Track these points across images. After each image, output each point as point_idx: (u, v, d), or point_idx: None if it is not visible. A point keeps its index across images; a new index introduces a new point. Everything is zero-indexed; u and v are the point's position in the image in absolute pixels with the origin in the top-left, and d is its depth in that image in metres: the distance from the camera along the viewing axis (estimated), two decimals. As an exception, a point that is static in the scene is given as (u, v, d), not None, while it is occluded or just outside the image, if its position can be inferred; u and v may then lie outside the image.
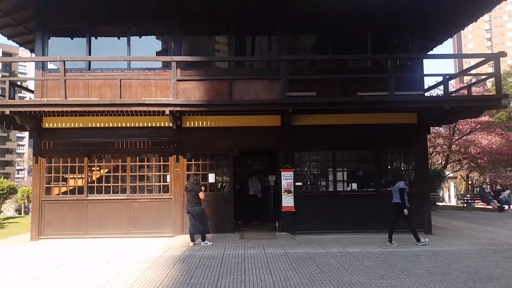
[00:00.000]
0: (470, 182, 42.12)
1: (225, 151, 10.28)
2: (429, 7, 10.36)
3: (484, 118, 25.02)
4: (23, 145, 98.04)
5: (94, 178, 10.24)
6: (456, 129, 25.11)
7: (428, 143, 24.38)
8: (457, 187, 50.73)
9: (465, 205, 20.59)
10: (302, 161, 10.59)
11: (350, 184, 10.39)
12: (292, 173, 10.00)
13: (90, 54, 10.27)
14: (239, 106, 9.46)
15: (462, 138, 25.35)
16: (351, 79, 9.83)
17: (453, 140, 25.33)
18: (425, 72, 10.62)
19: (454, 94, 13.00)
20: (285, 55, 9.97)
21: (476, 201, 22.33)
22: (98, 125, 10.03)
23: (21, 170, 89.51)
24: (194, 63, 10.16)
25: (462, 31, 12.41)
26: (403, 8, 10.25)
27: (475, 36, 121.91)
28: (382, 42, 10.95)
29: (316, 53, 11.35)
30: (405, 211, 8.34)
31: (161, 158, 10.21)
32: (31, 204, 10.96)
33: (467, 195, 22.76)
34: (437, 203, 20.58)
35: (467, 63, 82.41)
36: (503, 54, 9.14)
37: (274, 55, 10.62)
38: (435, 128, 23.18)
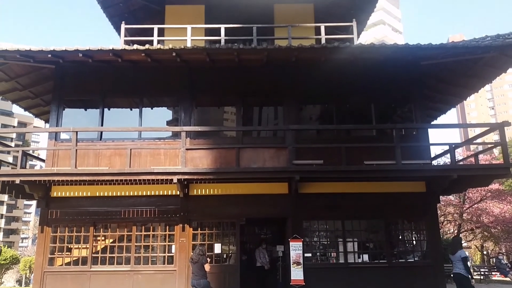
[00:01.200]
0: (485, 253, 40.49)
1: (232, 219, 10.16)
2: (430, 80, 10.74)
3: (494, 186, 24.70)
4: (29, 213, 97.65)
5: (98, 248, 10.07)
6: (466, 197, 24.72)
7: (439, 212, 23.93)
8: (471, 257, 48.74)
9: (482, 277, 19.68)
10: (311, 231, 10.37)
11: (361, 256, 10.06)
12: (301, 243, 9.75)
13: (102, 125, 10.59)
14: (246, 173, 9.50)
15: (473, 206, 24.87)
16: (358, 148, 9.95)
17: (464, 208, 24.83)
18: (430, 140, 10.73)
19: (461, 163, 12.97)
20: (291, 125, 10.17)
21: (493, 273, 21.37)
22: (106, 194, 10.07)
23: (25, 238, 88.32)
24: (203, 132, 10.41)
25: (466, 99, 12.73)
26: (405, 81, 10.62)
27: (477, 105, 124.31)
28: (386, 112, 11.21)
29: (321, 122, 11.60)
30: (473, 281, 7.92)
31: (167, 227, 10.08)
32: (32, 275, 10.68)
33: (484, 267, 21.84)
34: (451, 275, 19.64)
35: (472, 131, 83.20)
36: (507, 123, 9.27)
37: (280, 124, 10.87)
38: (445, 196, 22.83)
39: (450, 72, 10.78)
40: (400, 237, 10.70)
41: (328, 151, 9.94)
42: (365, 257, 10.06)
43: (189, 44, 10.95)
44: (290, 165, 9.45)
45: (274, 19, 12.77)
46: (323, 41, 11.25)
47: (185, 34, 11.47)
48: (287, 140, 9.96)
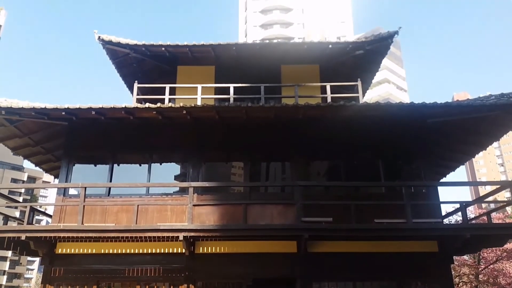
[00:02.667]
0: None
1: (238, 279, 9.79)
2: (438, 137, 10.79)
3: (510, 246, 23.91)
4: (32, 269, 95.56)
5: (99, 308, 9.73)
6: (481, 257, 23.87)
7: (453, 273, 23.04)
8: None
9: None
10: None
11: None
12: (312, 306, 9.33)
13: (111, 181, 10.65)
14: (253, 231, 9.31)
15: (489, 267, 23.94)
16: (367, 205, 9.81)
17: (480, 269, 23.89)
18: (440, 198, 10.56)
19: (474, 221, 12.68)
20: (298, 181, 10.14)
21: None
22: (111, 251, 9.88)
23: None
24: (210, 188, 10.39)
25: (474, 157, 12.70)
26: (412, 138, 10.68)
27: (486, 162, 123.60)
28: (394, 168, 11.17)
29: (329, 178, 11.55)
30: None
31: (171, 286, 9.77)
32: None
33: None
34: None
35: (483, 188, 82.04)
36: (516, 183, 9.15)
37: (288, 180, 10.85)
38: (459, 256, 22.06)
39: (457, 130, 10.84)
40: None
41: (337, 208, 9.81)
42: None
43: (199, 102, 11.29)
44: (298, 223, 9.28)
45: (281, 79, 13.22)
46: (329, 99, 11.53)
47: (195, 92, 11.87)
48: (295, 196, 9.87)
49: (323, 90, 12.40)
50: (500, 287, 24.01)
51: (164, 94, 11.94)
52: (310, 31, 54.12)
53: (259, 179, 11.28)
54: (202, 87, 12.01)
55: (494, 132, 10.60)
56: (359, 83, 12.17)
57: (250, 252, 9.82)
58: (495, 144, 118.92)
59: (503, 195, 68.06)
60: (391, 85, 74.39)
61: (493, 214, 25.99)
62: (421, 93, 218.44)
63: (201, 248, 9.93)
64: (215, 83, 12.97)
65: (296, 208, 9.49)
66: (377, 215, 9.60)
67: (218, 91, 12.59)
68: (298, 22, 66.06)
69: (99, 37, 12.43)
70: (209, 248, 9.94)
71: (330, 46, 12.58)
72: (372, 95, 63.93)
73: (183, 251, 9.51)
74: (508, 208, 30.90)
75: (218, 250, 9.93)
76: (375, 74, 14.34)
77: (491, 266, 23.87)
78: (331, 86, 11.98)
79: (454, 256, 11.51)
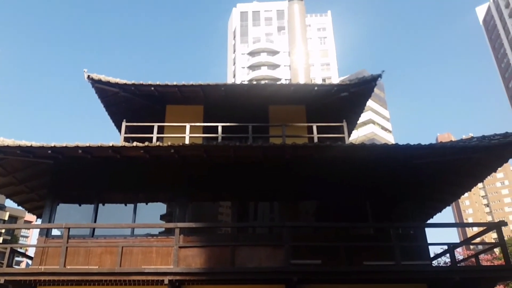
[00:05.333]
0: None
1: (226, 325, 9.44)
2: (424, 178, 10.89)
3: (500, 288, 23.65)
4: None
5: None
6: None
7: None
8: None
9: None
10: None
11: None
12: None
13: (95, 221, 10.41)
14: (241, 274, 9.07)
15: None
16: (356, 246, 9.70)
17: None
18: (428, 239, 10.53)
19: (463, 263, 12.61)
20: (287, 222, 10.02)
21: None
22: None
23: None
24: (197, 229, 10.20)
25: (461, 197, 12.80)
26: (398, 179, 10.75)
27: (472, 202, 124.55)
28: (382, 210, 11.15)
29: (318, 219, 11.48)
30: None
31: (156, 333, 9.33)
32: None
33: None
34: None
35: (471, 229, 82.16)
36: (503, 223, 9.22)
37: (277, 220, 10.74)
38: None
39: (442, 171, 10.99)
40: None
41: (326, 250, 9.66)
42: None
43: (187, 141, 11.31)
44: (287, 265, 9.06)
45: (269, 119, 13.40)
46: (315, 139, 11.67)
47: (184, 131, 11.92)
48: (284, 237, 9.69)
49: (310, 130, 12.57)
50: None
51: (152, 133, 11.94)
52: (296, 72, 55.49)
53: (247, 219, 11.15)
54: (190, 126, 12.08)
55: (478, 173, 10.77)
56: (344, 124, 12.40)
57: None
58: (479, 185, 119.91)
59: (491, 236, 68.09)
60: (376, 126, 75.68)
61: (482, 256, 25.93)
62: (406, 134, 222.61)
63: (186, 293, 9.61)
64: (204, 122, 13.07)
65: (285, 250, 9.31)
66: (366, 256, 9.48)
67: (206, 130, 12.66)
68: (285, 64, 67.77)
69: (88, 76, 12.52)
70: (193, 292, 9.62)
71: (316, 88, 12.89)
72: (358, 135, 64.86)
73: (168, 295, 9.18)
74: (496, 250, 30.89)
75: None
76: (360, 115, 14.63)
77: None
78: (317, 126, 12.18)
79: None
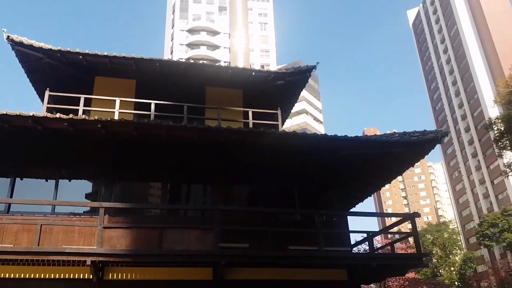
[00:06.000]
0: None
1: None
2: (349, 169, 11.39)
3: (411, 275, 25.69)
4: None
5: None
6: (386, 286, 25.31)
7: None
8: None
9: None
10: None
11: None
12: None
13: (12, 196, 9.63)
14: (168, 257, 8.91)
15: (392, 295, 25.43)
16: (283, 232, 9.95)
17: (384, 297, 25.27)
18: (350, 227, 11.12)
19: (380, 251, 13.48)
20: (219, 205, 10.01)
21: None
22: (8, 276, 8.79)
23: None
24: (124, 209, 9.84)
25: (382, 188, 13.60)
26: (326, 169, 11.15)
27: (392, 194, 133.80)
28: (309, 197, 11.55)
29: (249, 204, 11.63)
30: None
31: (75, 316, 8.94)
32: None
33: None
34: None
35: (390, 219, 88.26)
36: (417, 214, 9.97)
37: (209, 204, 10.68)
38: (367, 285, 23.13)
39: (366, 163, 11.54)
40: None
41: (254, 235, 9.79)
42: None
43: (116, 117, 10.77)
44: (216, 249, 9.05)
45: (205, 100, 13.18)
46: (250, 125, 11.72)
47: (113, 106, 11.33)
48: (215, 221, 9.69)
49: (246, 115, 12.60)
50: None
51: (78, 105, 11.18)
52: (236, 56, 55.12)
53: (179, 202, 10.96)
54: (120, 100, 11.50)
55: (397, 167, 11.48)
56: (279, 111, 12.58)
57: (164, 280, 9.38)
58: (399, 178, 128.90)
59: (406, 227, 73.61)
60: (308, 116, 77.84)
61: (398, 245, 27.97)
62: (336, 126, 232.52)
63: (110, 274, 9.26)
64: (136, 98, 12.43)
65: (215, 233, 9.29)
66: (292, 242, 9.76)
67: (138, 107, 12.11)
68: (225, 45, 67.01)
69: (8, 36, 11.41)
70: (120, 274, 9.31)
71: (254, 73, 12.92)
72: (291, 124, 66.44)
73: (91, 277, 8.79)
74: (410, 239, 33.52)
75: (129, 277, 9.33)
76: (294, 104, 14.94)
77: (395, 295, 25.38)
78: (253, 112, 12.22)
79: (362, 285, 12.07)
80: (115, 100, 11.44)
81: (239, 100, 13.59)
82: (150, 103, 11.54)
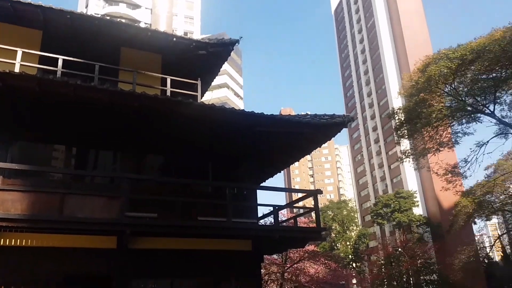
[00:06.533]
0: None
1: (47, 277, 8.66)
2: (263, 145, 11.65)
3: (311, 247, 27.42)
4: None
5: None
6: (288, 257, 26.74)
7: (264, 271, 25.33)
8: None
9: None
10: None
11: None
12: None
13: None
14: (69, 224, 8.40)
15: (293, 266, 26.97)
16: (194, 203, 9.95)
17: (286, 268, 26.72)
18: (260, 201, 11.50)
19: (284, 224, 14.16)
20: (127, 173, 9.67)
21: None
22: None
23: None
24: (21, 171, 9.04)
25: (291, 166, 14.19)
26: (240, 143, 11.29)
27: (301, 172, 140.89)
28: (222, 170, 11.65)
29: (162, 174, 11.37)
30: None
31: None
32: None
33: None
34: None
35: (297, 195, 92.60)
36: (319, 191, 10.62)
37: (118, 171, 10.25)
38: (270, 255, 24.23)
39: (279, 141, 11.90)
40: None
41: (164, 205, 9.67)
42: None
43: (17, 69, 9.71)
44: (121, 217, 8.75)
45: (120, 62, 12.40)
46: (168, 93, 11.36)
47: (14, 57, 10.18)
48: (122, 189, 9.34)
49: (164, 82, 12.15)
50: (300, 284, 27.31)
51: (-29, 54, 9.90)
52: (157, 18, 52.59)
53: (85, 167, 10.35)
54: (23, 52, 10.37)
55: (307, 146, 12.03)
56: (199, 82, 12.36)
57: (64, 247, 8.89)
58: (308, 157, 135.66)
59: (311, 203, 78.03)
60: (230, 91, 77.97)
61: (302, 219, 29.60)
62: (255, 103, 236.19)
63: (2, 240, 8.53)
64: (41, 51, 11.25)
65: (121, 202, 8.98)
66: (202, 213, 9.85)
67: (43, 61, 10.98)
68: (147, 6, 63.50)
69: None
70: (14, 240, 8.61)
71: (175, 39, 12.42)
72: (211, 97, 65.96)
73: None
74: (313, 214, 35.62)
75: (25, 243, 8.67)
76: (215, 77, 14.77)
77: (295, 265, 26.95)
78: (171, 80, 11.84)
79: (265, 255, 12.64)
80: (16, 51, 10.28)
81: (157, 65, 13.01)
82: (58, 58, 10.56)
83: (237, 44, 13.08)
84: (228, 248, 10.31)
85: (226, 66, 70.31)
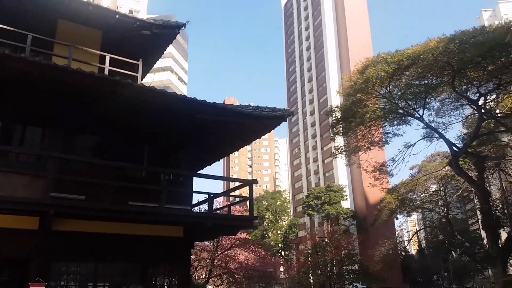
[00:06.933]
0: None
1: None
2: (203, 133, 11.62)
3: (242, 235, 27.88)
4: None
5: None
6: (219, 244, 26.99)
7: (194, 257, 25.38)
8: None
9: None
10: (60, 273, 9.24)
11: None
12: (43, 288, 8.51)
13: None
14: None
15: (224, 253, 27.31)
16: (126, 187, 9.70)
17: (216, 254, 26.98)
18: (197, 188, 11.50)
19: (219, 211, 14.28)
20: (54, 152, 9.20)
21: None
22: None
23: None
24: None
25: (231, 155, 14.31)
26: (180, 129, 11.16)
27: (240, 162, 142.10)
28: (158, 155, 11.46)
29: (94, 155, 10.93)
30: None
31: None
32: None
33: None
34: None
35: (234, 184, 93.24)
36: (255, 181, 10.86)
37: (47, 149, 9.70)
38: (201, 242, 24.30)
39: (220, 130, 11.96)
40: (154, 282, 10.70)
41: (93, 188, 9.32)
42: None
43: None
44: (45, 197, 8.36)
45: (56, 35, 11.68)
46: (106, 71, 10.91)
47: None
48: (48, 168, 8.88)
49: (102, 60, 11.64)
50: (229, 270, 27.70)
51: None
52: (102, -7, 50.06)
53: (10, 144, 9.67)
54: None
55: (247, 137, 12.21)
56: (140, 63, 12.00)
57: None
58: (248, 147, 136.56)
59: (247, 192, 79.02)
60: (173, 75, 76.25)
61: (237, 207, 29.93)
62: (199, 89, 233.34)
63: None
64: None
65: (47, 181, 8.55)
66: (133, 198, 9.63)
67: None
68: (90, -20, 60.27)
69: None
70: None
71: (117, 16, 11.90)
72: (153, 79, 64.14)
73: None
74: (248, 203, 36.11)
75: None
76: (158, 59, 14.39)
77: (226, 252, 27.28)
78: (111, 58, 11.38)
79: (196, 242, 12.68)
80: None
81: (97, 42, 12.39)
82: (-17, 24, 9.74)
83: (183, 28, 12.83)
84: (159, 234, 10.20)
85: (171, 49, 68.58)
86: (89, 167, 10.35)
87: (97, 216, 9.16)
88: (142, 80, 12.26)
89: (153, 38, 12.84)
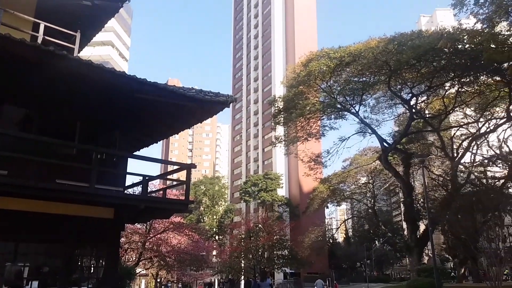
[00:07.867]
0: (158, 280, 44.18)
1: None
2: (142, 113, 11.29)
3: (177, 219, 27.69)
4: None
5: None
6: (152, 227, 26.63)
7: (125, 239, 24.81)
8: (148, 284, 52.26)
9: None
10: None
11: (30, 283, 9.05)
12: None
13: None
14: None
15: (156, 236, 27.00)
16: (53, 164, 9.22)
17: (148, 237, 26.62)
18: (134, 170, 11.20)
19: (154, 194, 14.03)
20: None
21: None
22: None
23: None
24: None
25: (171, 138, 14.07)
26: (117, 107, 10.76)
27: (180, 146, 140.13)
28: (92, 133, 10.99)
29: (21, 129, 10.22)
30: None
31: None
32: None
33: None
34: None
35: (172, 167, 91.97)
36: (193, 166, 10.80)
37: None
38: (133, 224, 23.85)
39: (160, 111, 11.70)
40: (80, 263, 10.36)
41: (20, 163, 8.78)
42: (35, 284, 9.12)
43: None
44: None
45: (-18, -4, 10.70)
46: (39, 40, 10.21)
47: None
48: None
49: (36, 28, 10.86)
50: (160, 254, 27.48)
51: None
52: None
53: None
54: None
55: (188, 120, 12.06)
56: (78, 34, 11.35)
57: None
58: (189, 131, 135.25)
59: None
60: (114, 50, 72.79)
61: (174, 191, 29.54)
62: (142, 68, 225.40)
63: None
64: None
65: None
66: (63, 176, 9.22)
67: None
68: None
69: None
70: None
71: (56, -18, 11.17)
72: (92, 53, 60.90)
73: None
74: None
75: None
76: (98, 32, 13.68)
77: (158, 235, 27.00)
78: (45, 26, 10.65)
79: (128, 224, 12.40)
80: None
81: (30, 8, 11.49)
82: None
83: (127, 1, 12.29)
84: (87, 215, 9.85)
85: (113, 23, 65.41)
86: (15, 141, 9.69)
87: (20, 193, 8.64)
88: (79, 52, 11.63)
89: (94, 9, 12.18)
